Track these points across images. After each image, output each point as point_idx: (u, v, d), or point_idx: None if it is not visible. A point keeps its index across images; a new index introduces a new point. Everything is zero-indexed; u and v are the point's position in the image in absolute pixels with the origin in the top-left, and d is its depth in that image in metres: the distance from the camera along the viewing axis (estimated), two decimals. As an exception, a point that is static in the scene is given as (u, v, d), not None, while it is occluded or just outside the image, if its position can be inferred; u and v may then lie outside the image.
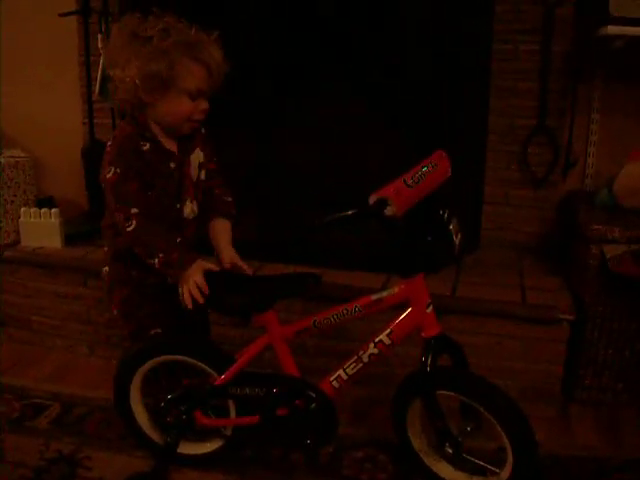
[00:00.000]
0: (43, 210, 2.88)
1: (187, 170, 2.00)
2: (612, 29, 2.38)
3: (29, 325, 2.92)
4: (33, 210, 2.90)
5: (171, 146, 1.95)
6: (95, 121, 3.14)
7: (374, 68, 2.66)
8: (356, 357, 1.88)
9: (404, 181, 1.66)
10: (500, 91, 2.77)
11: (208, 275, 1.84)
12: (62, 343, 2.89)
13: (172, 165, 1.95)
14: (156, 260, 1.83)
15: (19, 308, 2.92)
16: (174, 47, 1.79)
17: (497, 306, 2.39)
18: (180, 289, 1.85)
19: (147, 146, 1.89)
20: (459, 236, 1.79)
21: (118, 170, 1.83)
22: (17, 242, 2.93)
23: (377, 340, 1.85)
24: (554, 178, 2.81)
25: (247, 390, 1.97)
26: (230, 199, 2.10)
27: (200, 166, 2.05)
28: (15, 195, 3.05)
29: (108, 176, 1.84)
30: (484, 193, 2.88)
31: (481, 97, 2.77)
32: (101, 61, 2.97)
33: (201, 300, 1.81)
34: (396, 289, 1.84)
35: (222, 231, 2.05)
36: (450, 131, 2.62)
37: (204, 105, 1.89)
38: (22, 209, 2.92)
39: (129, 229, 1.83)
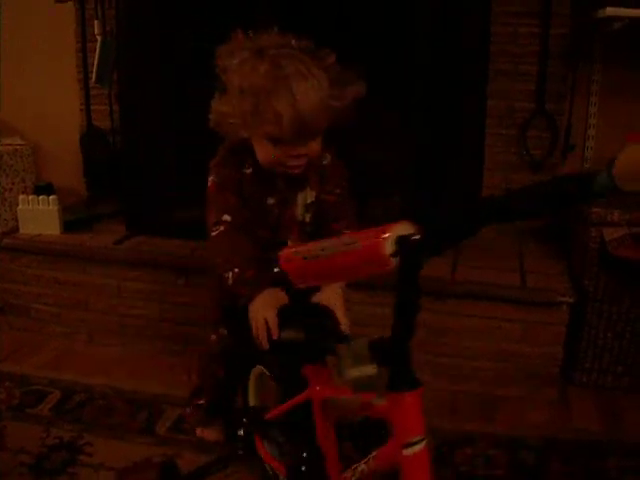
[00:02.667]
0: (41, 197, 2.87)
1: (291, 210, 1.79)
2: (611, 10, 2.36)
3: (28, 312, 2.91)
4: (31, 197, 2.89)
5: (276, 180, 1.74)
6: (93, 107, 3.14)
7: (371, 50, 2.64)
8: None
9: (298, 253, 1.26)
10: (498, 74, 2.75)
11: (282, 312, 1.58)
12: (61, 330, 2.89)
13: (271, 201, 1.76)
14: (230, 274, 1.64)
15: (18, 295, 2.91)
16: (261, 83, 1.55)
17: (497, 289, 2.40)
18: (251, 320, 1.62)
19: (250, 170, 1.72)
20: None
21: (216, 180, 1.72)
22: (15, 230, 2.92)
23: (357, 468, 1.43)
24: (553, 162, 2.80)
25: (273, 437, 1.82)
26: (348, 223, 1.77)
27: (307, 207, 1.81)
28: (13, 183, 3.05)
29: (208, 185, 1.74)
30: (483, 177, 2.86)
31: (480, 80, 2.75)
32: (97, 47, 2.97)
33: (266, 345, 1.56)
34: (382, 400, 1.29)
35: None
36: (449, 114, 2.61)
37: (296, 151, 1.60)
38: (20, 196, 2.91)
39: (214, 233, 1.69)
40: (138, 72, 2.82)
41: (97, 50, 2.96)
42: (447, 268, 2.52)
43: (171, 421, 2.30)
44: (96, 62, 2.97)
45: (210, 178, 1.74)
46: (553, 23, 2.65)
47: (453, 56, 2.59)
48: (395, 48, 2.63)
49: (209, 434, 2.18)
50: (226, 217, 1.69)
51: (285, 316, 1.56)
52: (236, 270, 1.63)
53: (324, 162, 1.77)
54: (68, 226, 2.92)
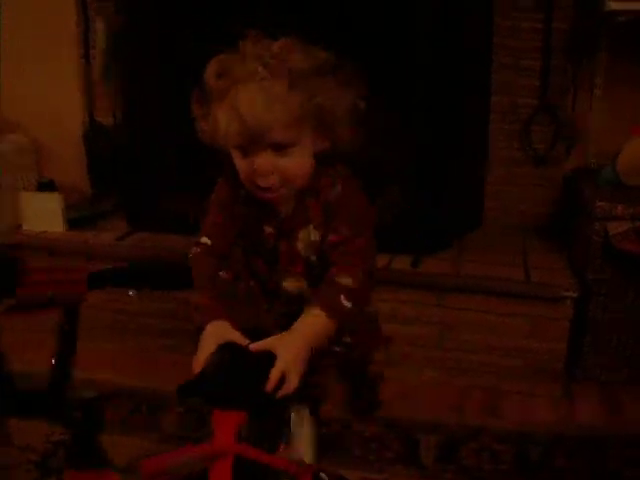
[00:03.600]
0: (45, 194, 2.88)
1: (290, 244, 1.56)
2: (614, 4, 2.36)
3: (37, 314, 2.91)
4: (35, 194, 2.89)
5: (274, 207, 1.55)
6: (95, 104, 3.14)
7: (372, 47, 2.64)
8: None
9: None
10: (501, 69, 2.75)
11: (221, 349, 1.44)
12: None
13: (268, 230, 1.57)
14: (194, 297, 1.53)
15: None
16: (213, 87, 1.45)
17: (500, 284, 2.40)
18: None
19: (244, 190, 1.53)
20: None
21: (212, 196, 1.61)
22: (19, 227, 2.92)
23: None
24: (557, 156, 2.79)
25: None
26: (351, 283, 1.42)
27: (311, 245, 1.55)
28: (16, 180, 3.05)
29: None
30: (486, 171, 2.87)
31: (483, 76, 2.75)
32: (100, 42, 2.97)
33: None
34: None
35: (303, 323, 1.40)
36: (450, 112, 2.60)
37: (257, 164, 1.42)
38: (23, 194, 2.91)
39: (190, 255, 1.57)
40: (140, 68, 2.83)
41: (99, 47, 2.97)
42: (451, 263, 2.52)
43: (176, 417, 2.30)
44: (99, 59, 2.97)
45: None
46: (556, 17, 2.64)
47: (455, 53, 2.58)
48: (396, 45, 2.62)
49: None
50: (205, 239, 1.58)
51: (218, 355, 1.41)
52: (198, 294, 1.52)
53: (333, 193, 1.49)
54: (72, 223, 2.92)
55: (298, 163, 1.44)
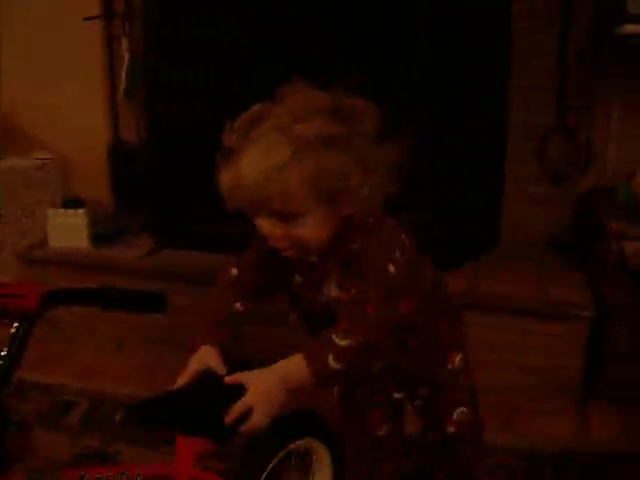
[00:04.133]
0: (70, 211, 2.94)
1: (318, 298, 1.53)
2: (630, 28, 2.38)
3: (55, 323, 2.97)
4: (60, 211, 2.96)
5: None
6: (121, 122, 3.20)
7: (383, 53, 2.67)
8: None
9: None
10: (518, 87, 2.78)
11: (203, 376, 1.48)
12: (90, 341, 2.94)
13: (297, 278, 1.54)
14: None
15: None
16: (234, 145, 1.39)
17: (517, 302, 2.43)
18: None
19: None
20: None
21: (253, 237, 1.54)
22: (45, 242, 2.99)
23: None
24: (573, 175, 2.81)
25: None
26: (346, 345, 1.31)
27: (333, 300, 1.50)
28: (42, 196, 3.11)
29: None
30: (504, 190, 2.89)
31: (500, 93, 2.78)
32: (125, 61, 3.04)
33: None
34: None
35: (282, 364, 1.36)
36: (470, 124, 2.65)
37: (262, 227, 1.39)
38: (49, 210, 2.98)
39: (218, 277, 1.62)
40: (166, 86, 2.89)
41: (125, 66, 3.03)
42: (468, 281, 2.55)
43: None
44: (124, 77, 3.03)
45: None
46: (572, 38, 2.67)
47: (473, 72, 2.63)
48: (414, 71, 2.66)
49: None
50: (234, 270, 1.59)
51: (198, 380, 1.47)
52: (201, 320, 1.58)
53: (352, 249, 1.43)
54: (97, 239, 2.98)
55: (309, 232, 1.37)
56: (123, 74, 3.07)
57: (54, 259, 2.90)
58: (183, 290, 2.69)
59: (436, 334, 1.66)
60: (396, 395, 1.77)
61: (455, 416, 1.67)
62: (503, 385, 2.46)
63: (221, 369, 1.45)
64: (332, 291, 1.48)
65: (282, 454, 1.60)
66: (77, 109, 3.39)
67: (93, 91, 3.31)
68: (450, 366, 1.66)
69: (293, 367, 1.35)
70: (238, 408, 1.32)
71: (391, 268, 1.38)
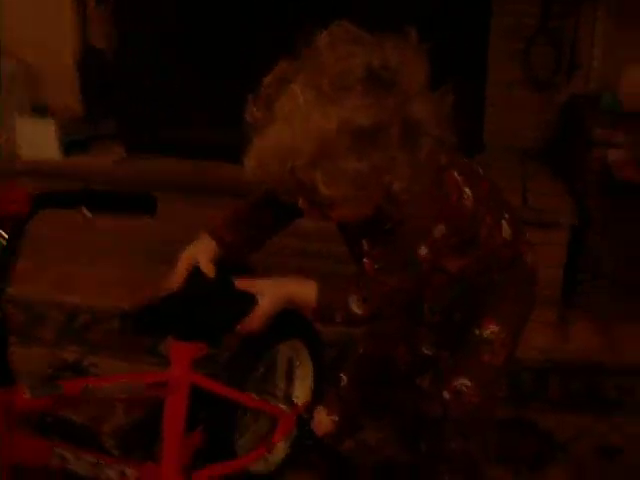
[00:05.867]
0: (39, 119, 2.86)
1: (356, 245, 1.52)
2: None
3: (28, 237, 2.90)
4: (29, 120, 2.87)
5: None
6: (90, 28, 3.09)
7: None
8: None
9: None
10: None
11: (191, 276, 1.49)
12: (62, 254, 2.89)
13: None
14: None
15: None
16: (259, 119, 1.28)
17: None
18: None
19: None
20: None
21: None
22: (14, 153, 2.90)
23: None
24: (558, 81, 2.75)
25: None
26: (365, 297, 1.38)
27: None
28: (9, 106, 3.01)
29: None
30: (486, 95, 2.82)
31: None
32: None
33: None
34: None
35: (298, 282, 1.43)
36: (450, 29, 2.57)
37: (298, 202, 1.35)
38: (17, 120, 2.89)
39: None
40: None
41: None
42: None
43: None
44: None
45: None
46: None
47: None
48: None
49: None
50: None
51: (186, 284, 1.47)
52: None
53: (388, 224, 1.38)
54: (67, 147, 2.89)
55: (347, 213, 1.33)
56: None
57: (25, 170, 2.81)
58: (162, 198, 2.62)
59: (482, 296, 1.58)
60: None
61: (456, 385, 1.54)
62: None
63: (209, 269, 1.46)
64: (364, 246, 1.47)
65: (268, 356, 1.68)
66: (45, 15, 3.26)
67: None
68: (477, 332, 1.55)
69: (303, 294, 1.39)
70: (254, 317, 1.37)
71: (423, 250, 1.35)
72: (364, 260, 1.41)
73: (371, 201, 1.29)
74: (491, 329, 1.54)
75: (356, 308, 1.37)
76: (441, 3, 2.57)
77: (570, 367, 2.24)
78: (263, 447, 1.71)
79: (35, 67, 3.26)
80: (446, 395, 1.55)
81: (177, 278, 1.48)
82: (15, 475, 1.18)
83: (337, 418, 1.93)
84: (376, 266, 1.39)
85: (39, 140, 2.85)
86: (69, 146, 2.90)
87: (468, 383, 1.53)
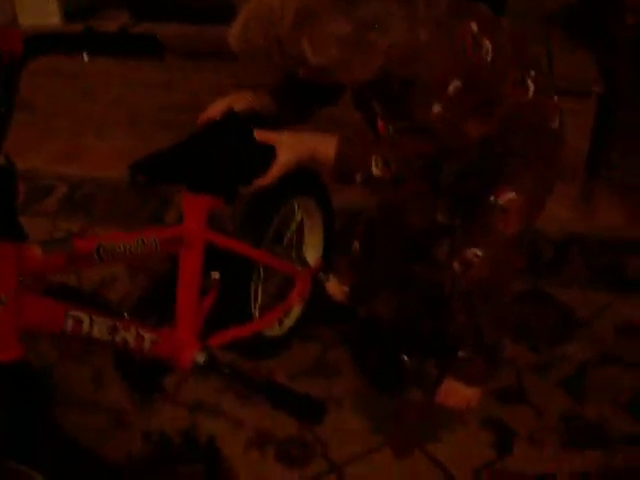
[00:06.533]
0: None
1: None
2: None
3: (32, 108, 2.81)
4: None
5: None
6: None
7: None
8: None
9: None
10: None
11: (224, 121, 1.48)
12: (68, 125, 2.80)
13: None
14: None
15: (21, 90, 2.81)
16: None
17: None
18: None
19: None
20: None
21: None
22: (14, 19, 2.77)
23: None
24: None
25: None
26: (386, 159, 1.36)
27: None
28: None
29: None
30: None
31: None
32: None
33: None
34: None
35: (322, 136, 1.40)
36: None
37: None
38: (17, -18, 2.75)
39: None
40: None
41: None
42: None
43: (180, 211, 2.27)
44: None
45: None
46: None
47: None
48: None
49: None
50: None
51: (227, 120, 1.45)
52: None
53: (395, 88, 1.39)
54: (69, 14, 2.78)
55: (335, 81, 1.33)
56: None
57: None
58: (164, 64, 2.52)
59: (501, 161, 1.49)
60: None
61: (467, 255, 1.50)
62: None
63: (248, 113, 1.46)
64: (376, 108, 1.45)
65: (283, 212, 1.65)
66: None
67: None
68: (492, 198, 1.47)
69: (324, 151, 1.35)
70: (272, 170, 1.35)
71: (436, 108, 1.30)
72: (378, 122, 1.42)
73: (367, 65, 1.26)
74: (508, 197, 1.47)
75: (376, 169, 1.34)
76: None
77: (593, 242, 2.18)
78: (280, 309, 1.69)
79: None
80: (456, 266, 1.52)
81: (210, 112, 1.48)
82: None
83: (347, 288, 1.93)
84: (390, 127, 1.39)
85: (40, 5, 2.72)
86: (70, 13, 2.78)
87: (479, 253, 1.48)
